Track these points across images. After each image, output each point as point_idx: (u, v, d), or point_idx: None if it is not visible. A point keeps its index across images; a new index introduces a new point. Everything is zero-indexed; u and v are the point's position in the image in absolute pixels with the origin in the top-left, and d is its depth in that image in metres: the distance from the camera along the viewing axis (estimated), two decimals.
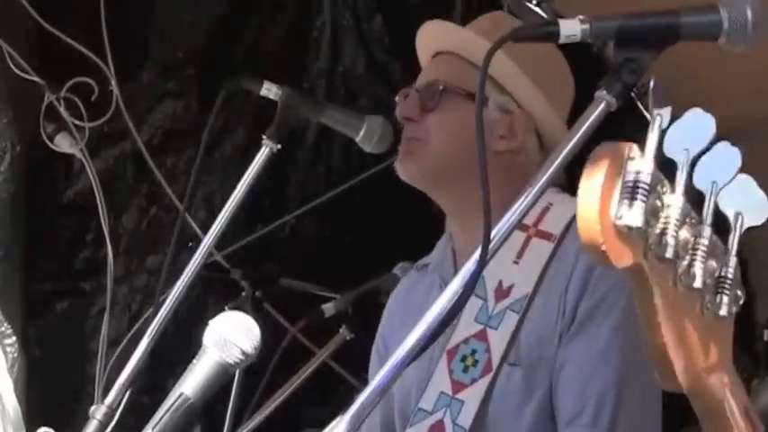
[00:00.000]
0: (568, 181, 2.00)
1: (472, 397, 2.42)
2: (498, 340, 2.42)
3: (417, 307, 2.63)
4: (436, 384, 2.47)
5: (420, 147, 2.54)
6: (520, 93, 2.53)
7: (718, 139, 1.22)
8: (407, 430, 2.50)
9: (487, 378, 2.41)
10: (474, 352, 2.44)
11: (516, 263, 2.46)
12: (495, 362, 2.41)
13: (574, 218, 2.50)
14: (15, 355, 4.39)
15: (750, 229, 1.27)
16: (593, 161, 1.16)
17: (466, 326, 2.47)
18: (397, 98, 2.62)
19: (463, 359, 2.46)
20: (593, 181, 1.15)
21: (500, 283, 2.45)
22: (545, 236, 2.46)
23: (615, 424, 2.36)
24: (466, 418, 2.41)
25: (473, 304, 2.44)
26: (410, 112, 2.57)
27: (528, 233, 2.46)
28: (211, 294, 4.44)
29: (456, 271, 2.57)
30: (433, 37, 2.66)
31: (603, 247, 1.15)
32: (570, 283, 2.40)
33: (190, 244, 2.58)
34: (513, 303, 2.44)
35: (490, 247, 1.68)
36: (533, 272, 2.44)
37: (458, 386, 2.45)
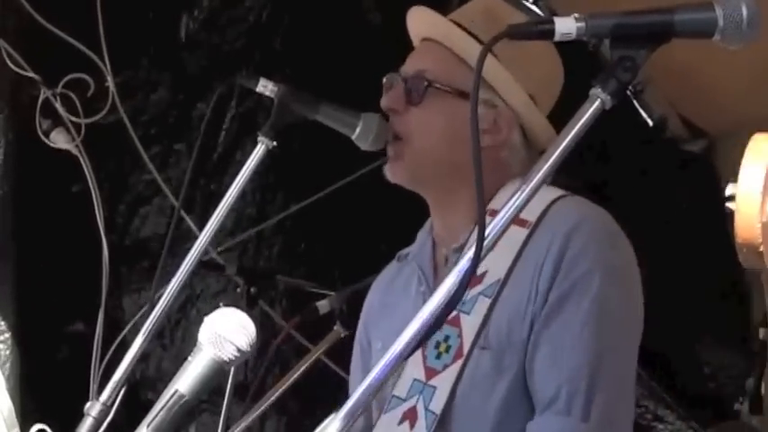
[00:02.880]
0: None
1: (444, 382, 2.42)
2: (470, 326, 2.42)
3: (396, 297, 2.64)
4: (410, 372, 2.47)
5: (404, 148, 2.55)
6: (504, 90, 2.53)
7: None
8: (382, 416, 2.50)
9: (459, 363, 2.41)
10: (447, 338, 2.44)
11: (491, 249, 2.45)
12: (467, 347, 2.41)
13: (549, 205, 2.50)
14: (8, 351, 4.38)
15: None
16: (752, 153, 1.08)
17: None
18: (384, 80, 2.62)
19: (437, 346, 2.45)
20: (753, 177, 1.08)
21: None
22: (520, 222, 2.45)
23: (589, 411, 2.33)
24: (437, 404, 2.41)
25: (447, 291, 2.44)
26: (394, 104, 2.57)
27: None
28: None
29: (434, 260, 2.60)
30: (421, 23, 2.65)
31: (762, 248, 1.08)
32: (543, 268, 2.39)
33: None
34: (485, 289, 2.43)
35: (484, 244, 1.68)
36: (506, 258, 2.43)
37: (431, 372, 2.45)
